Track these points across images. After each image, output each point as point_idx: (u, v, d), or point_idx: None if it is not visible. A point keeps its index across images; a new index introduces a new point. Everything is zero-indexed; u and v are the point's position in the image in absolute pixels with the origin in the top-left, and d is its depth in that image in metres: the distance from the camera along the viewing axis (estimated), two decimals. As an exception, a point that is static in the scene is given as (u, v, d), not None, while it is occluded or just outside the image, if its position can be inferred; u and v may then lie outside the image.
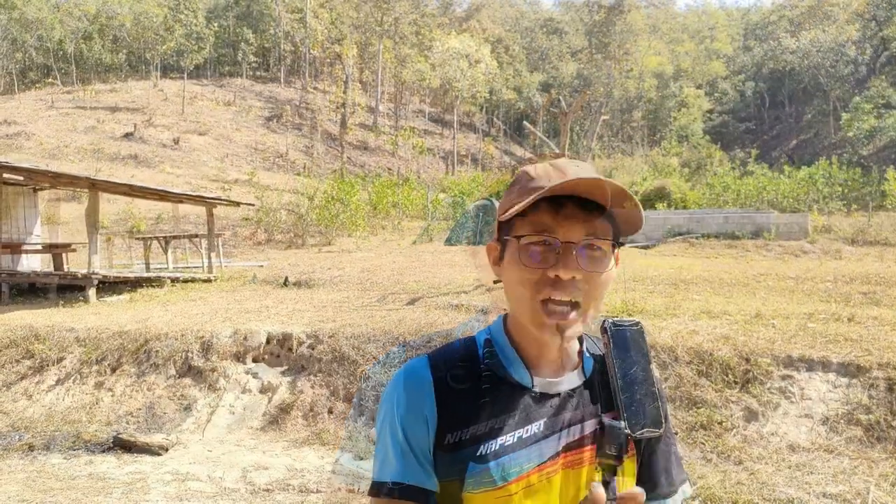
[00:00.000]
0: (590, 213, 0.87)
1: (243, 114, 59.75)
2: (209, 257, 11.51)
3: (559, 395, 0.93)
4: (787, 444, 4.68)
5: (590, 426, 0.92)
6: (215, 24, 65.98)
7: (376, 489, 0.91)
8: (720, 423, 4.86)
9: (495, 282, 0.99)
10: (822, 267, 10.16)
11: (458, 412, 0.90)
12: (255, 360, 6.39)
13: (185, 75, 57.65)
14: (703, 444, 4.75)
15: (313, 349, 6.22)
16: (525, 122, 8.61)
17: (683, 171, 42.22)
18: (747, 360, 5.35)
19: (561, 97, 9.56)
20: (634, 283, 8.84)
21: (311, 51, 66.19)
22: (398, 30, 66.52)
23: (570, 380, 0.95)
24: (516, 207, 0.86)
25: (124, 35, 66.34)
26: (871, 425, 4.67)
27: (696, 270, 9.99)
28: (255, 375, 6.14)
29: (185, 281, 10.88)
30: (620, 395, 0.84)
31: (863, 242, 14.52)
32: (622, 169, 46.62)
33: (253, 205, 13.42)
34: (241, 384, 6.07)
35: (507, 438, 0.90)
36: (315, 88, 73.71)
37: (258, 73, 78.44)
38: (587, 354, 0.98)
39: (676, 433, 4.91)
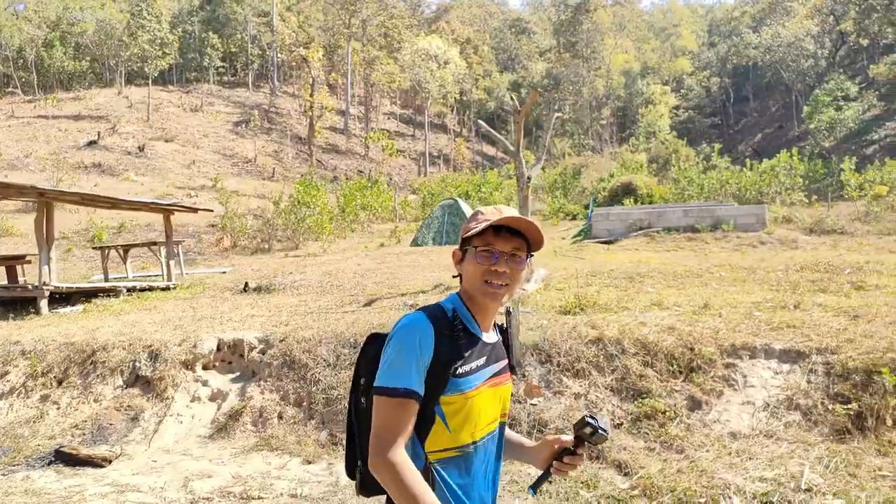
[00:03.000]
0: (514, 236, 1.59)
1: (211, 119, 59.00)
2: (167, 265, 11.31)
3: (490, 344, 1.62)
4: (728, 431, 4.75)
5: (503, 363, 1.66)
6: (179, 30, 64.98)
7: (399, 392, 1.43)
8: (664, 413, 4.91)
9: (455, 276, 1.70)
10: (777, 257, 10.36)
11: (444, 349, 1.48)
12: (205, 368, 6.29)
13: (150, 82, 56.60)
14: (646, 433, 4.79)
15: (264, 354, 6.15)
16: (479, 121, 8.59)
17: (651, 166, 42.78)
18: (692, 350, 5.43)
19: (513, 96, 9.56)
20: (592, 278, 8.91)
21: (279, 54, 65.61)
22: (366, 32, 66.28)
23: (492, 337, 1.65)
24: (473, 231, 1.57)
25: (87, 42, 65.04)
26: (808, 410, 4.76)
27: (654, 263, 10.10)
28: (204, 383, 6.04)
29: (143, 290, 10.68)
30: (512, 348, 1.90)
31: (820, 232, 14.83)
32: (591, 166, 47.01)
33: (211, 210, 13.22)
34: (191, 392, 5.97)
35: (469, 366, 1.52)
36: (284, 92, 73.11)
37: (225, 79, 77.48)
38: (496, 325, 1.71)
39: (619, 424, 4.96)
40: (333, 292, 9.15)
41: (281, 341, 6.16)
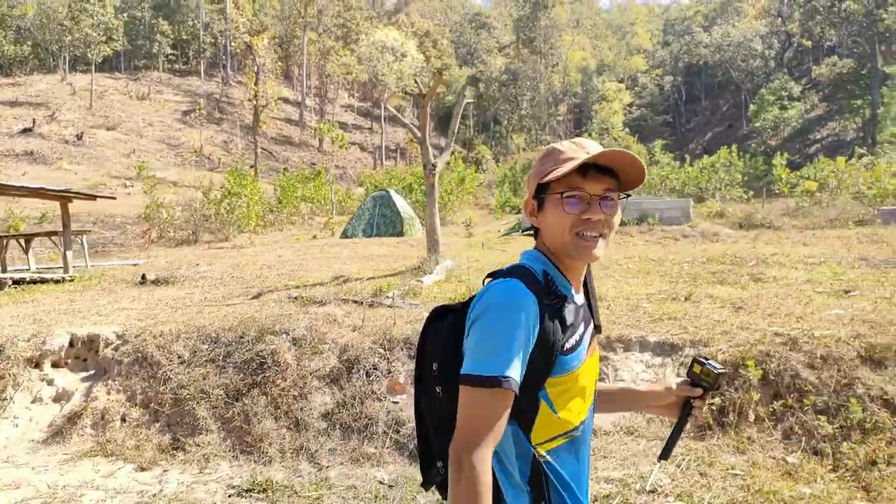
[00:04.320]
0: (603, 174, 1.28)
1: (158, 108, 57.16)
2: (65, 257, 10.62)
3: (582, 305, 1.35)
4: (593, 427, 4.50)
5: (591, 325, 1.38)
6: (125, 15, 62.69)
7: (497, 382, 1.15)
8: (527, 410, 4.64)
9: (527, 231, 1.35)
10: (692, 249, 10.29)
11: (549, 323, 1.22)
12: (55, 366, 5.76)
13: (94, 68, 54.44)
14: (506, 432, 4.50)
15: (117, 350, 5.66)
16: (391, 107, 8.32)
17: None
18: (567, 343, 5.17)
19: (417, 80, 9.21)
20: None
21: (233, 43, 63.93)
22: (321, 22, 65.14)
23: (581, 297, 1.37)
24: (555, 174, 1.26)
25: (28, 26, 62.22)
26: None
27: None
28: (50, 382, 5.52)
29: (34, 282, 9.99)
30: (595, 305, 1.44)
31: (748, 226, 14.96)
32: (545, 161, 47.18)
33: (114, 198, 12.49)
34: (33, 393, 5.44)
35: (574, 338, 1.28)
36: (238, 82, 71.31)
37: (177, 67, 75.31)
38: None
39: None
40: (230, 284, 8.67)
41: (136, 336, 5.68)
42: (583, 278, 1.39)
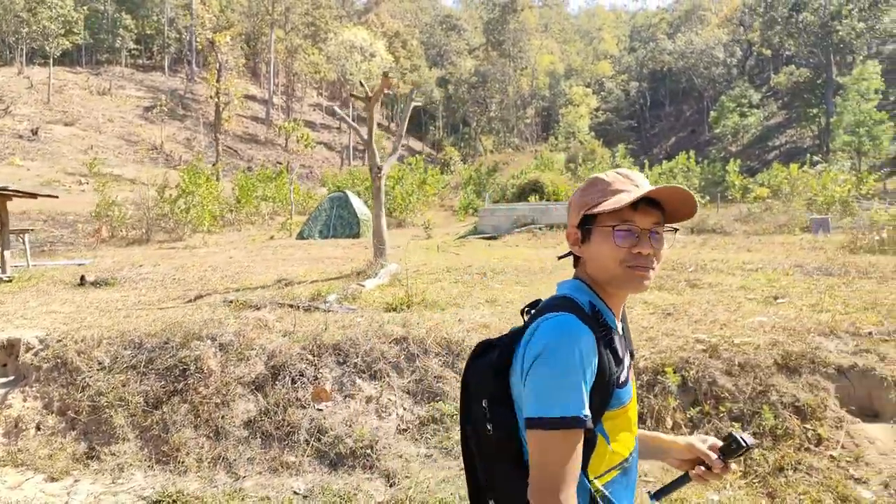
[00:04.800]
0: (652, 207, 1.30)
1: (119, 104, 55.81)
2: (1, 256, 10.25)
3: (622, 335, 1.34)
4: (514, 435, 4.50)
5: (627, 354, 1.36)
6: (86, 8, 61.03)
7: (577, 422, 1.15)
8: (451, 417, 4.61)
9: (561, 257, 1.47)
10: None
11: (605, 357, 1.21)
12: (-28, 371, 5.54)
13: (52, 61, 52.87)
14: (429, 439, 4.48)
15: (37, 356, 5.47)
16: (335, 107, 8.20)
17: (570, 165, 43.56)
18: (497, 349, 5.16)
19: (362, 81, 9.14)
20: (446, 274, 8.63)
21: (197, 39, 62.76)
22: (289, 19, 64.44)
23: (620, 325, 1.36)
24: (616, 203, 1.27)
25: (-18, 17, 60.13)
26: (596, 411, 4.57)
27: (518, 260, 9.95)
28: (-37, 389, 5.30)
29: (-34, 283, 9.61)
30: (628, 335, 1.43)
31: (700, 231, 15.21)
32: (512, 164, 47.47)
33: (55, 196, 12.11)
34: (-55, 400, 5.22)
35: (625, 370, 1.29)
36: (203, 78, 70.03)
37: (140, 62, 73.65)
38: None
39: (405, 429, 4.62)
40: (170, 287, 8.48)
41: (58, 341, 5.50)
42: (622, 308, 1.39)
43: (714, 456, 1.43)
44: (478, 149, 68.45)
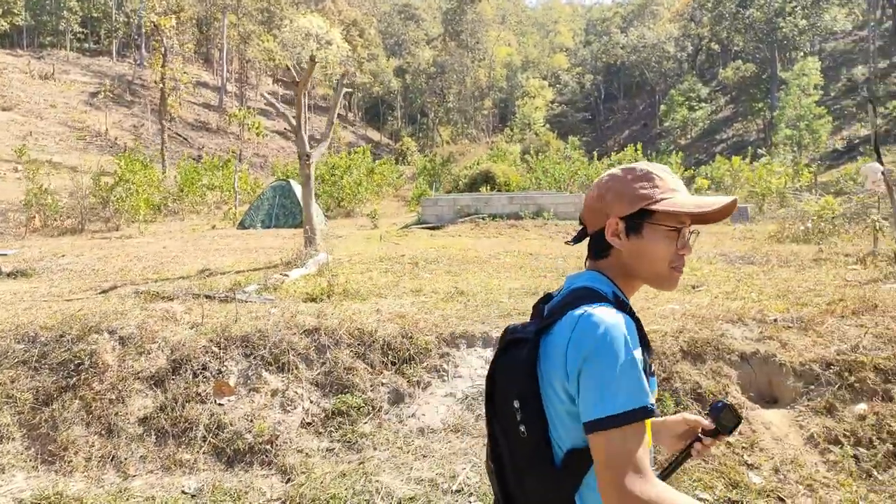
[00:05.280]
0: None
1: (63, 89, 53.52)
2: None
3: None
4: (420, 426, 4.41)
5: None
6: (25, -13, 58.24)
7: (646, 412, 1.11)
8: (358, 409, 4.50)
9: (572, 242, 1.44)
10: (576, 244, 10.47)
11: (643, 348, 1.19)
12: None
13: (-12, 43, 50.30)
14: (332, 432, 4.35)
15: (-81, 352, 5.11)
16: (265, 94, 7.98)
17: (525, 157, 43.81)
18: (411, 339, 5.06)
19: (291, 65, 8.89)
20: (378, 264, 8.49)
21: (145, 22, 60.56)
22: (241, 4, 62.83)
23: None
24: (684, 206, 1.26)
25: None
26: (505, 401, 4.51)
27: (455, 249, 9.87)
28: None
29: None
30: None
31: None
32: (468, 154, 47.48)
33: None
34: None
35: (650, 362, 1.25)
36: (153, 64, 67.75)
37: (87, 46, 70.75)
38: None
39: (309, 423, 4.48)
40: (88, 278, 8.11)
41: (-58, 336, 5.15)
42: None
43: (708, 423, 1.43)
44: (435, 139, 68.27)
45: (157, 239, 13.99)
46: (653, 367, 1.27)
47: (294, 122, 8.26)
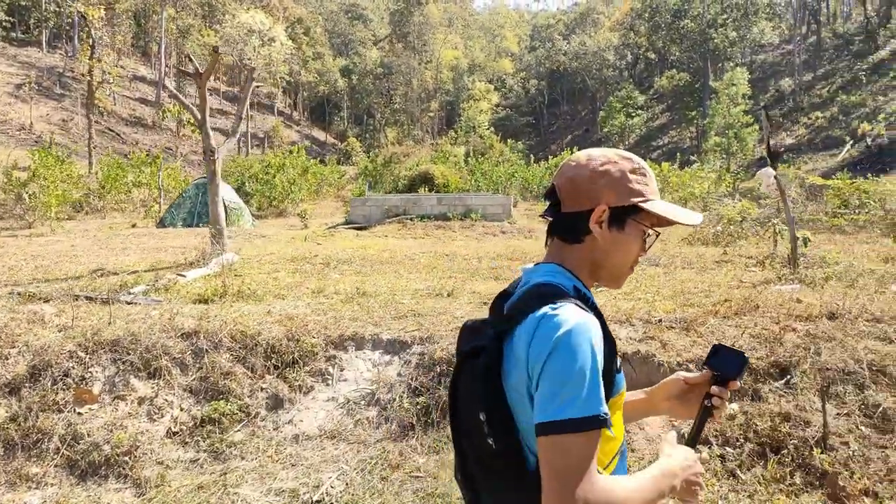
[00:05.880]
0: None
1: (-16, 79, 50.51)
2: None
3: None
4: (297, 433, 4.22)
5: None
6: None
7: (597, 422, 1.05)
8: (230, 416, 4.27)
9: (544, 214, 1.29)
10: (496, 245, 10.47)
11: (608, 345, 1.13)
12: None
13: None
14: (200, 441, 4.11)
15: None
16: (170, 87, 7.65)
17: (468, 159, 43.96)
18: (297, 341, 4.86)
19: (191, 56, 8.54)
20: (290, 264, 8.23)
21: (69, 12, 57.90)
22: (180, -3, 60.88)
23: None
24: (671, 213, 1.24)
25: None
26: (387, 405, 4.37)
27: (374, 249, 9.70)
28: None
29: None
30: None
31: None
32: (412, 156, 47.29)
33: None
34: None
35: (616, 358, 1.20)
36: (97, 58, 64.69)
37: (13, 35, 67.08)
38: None
39: (176, 432, 4.23)
40: (-30, 278, 7.53)
41: None
42: None
43: (708, 372, 1.36)
44: (381, 140, 67.84)
45: (69, 237, 13.28)
46: (619, 363, 1.23)
47: (198, 115, 7.91)
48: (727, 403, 1.35)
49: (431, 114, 68.99)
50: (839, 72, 44.85)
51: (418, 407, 4.25)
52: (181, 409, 4.39)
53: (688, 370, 4.35)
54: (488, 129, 54.25)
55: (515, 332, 1.13)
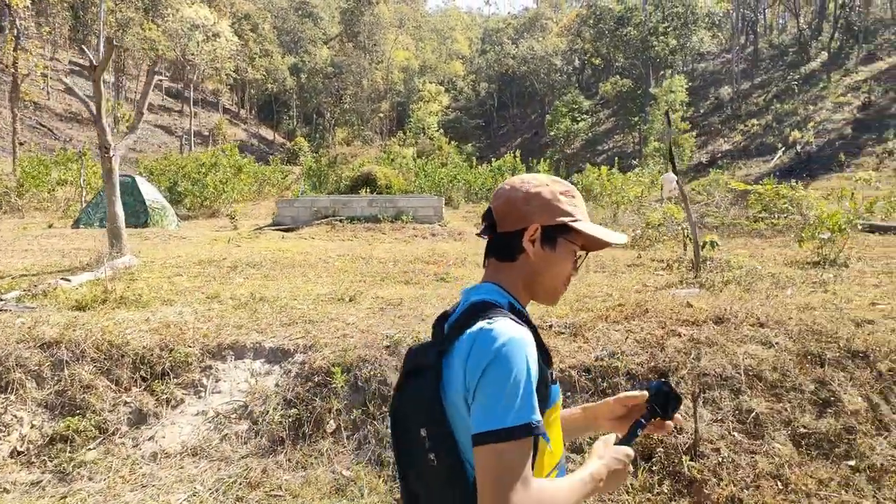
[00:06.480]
0: None
1: None
2: None
3: None
4: (156, 450, 3.93)
5: None
6: None
7: (530, 430, 1.08)
8: (84, 433, 3.95)
9: (480, 233, 1.36)
10: (419, 248, 10.31)
11: (542, 358, 1.17)
12: None
13: None
14: (46, 462, 3.78)
15: None
16: (65, 80, 7.25)
17: (420, 160, 43.82)
18: (171, 351, 4.57)
19: (84, 47, 8.11)
20: (196, 267, 7.87)
21: (3, 2, 55.07)
22: (119, -11, 58.69)
23: None
24: (602, 234, 1.31)
25: None
26: (259, 417, 4.13)
27: (293, 252, 9.40)
28: None
29: None
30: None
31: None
32: (360, 156, 46.83)
33: None
34: None
35: (550, 370, 1.23)
36: (22, 48, 61.65)
37: (-64, 23, 63.38)
38: None
39: (20, 452, 3.89)
40: None
41: None
42: None
43: (645, 396, 1.41)
44: (330, 140, 67.01)
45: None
46: (554, 375, 1.26)
47: (94, 109, 7.47)
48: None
49: (382, 114, 68.51)
50: (774, 81, 46.66)
51: (290, 420, 4.03)
52: (32, 427, 4.05)
53: (569, 377, 4.29)
54: (438, 130, 54.23)
55: (454, 350, 1.17)
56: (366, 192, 23.95)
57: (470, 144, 40.81)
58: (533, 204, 1.28)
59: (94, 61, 7.39)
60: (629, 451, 1.28)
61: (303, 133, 71.05)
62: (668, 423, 1.40)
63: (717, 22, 46.55)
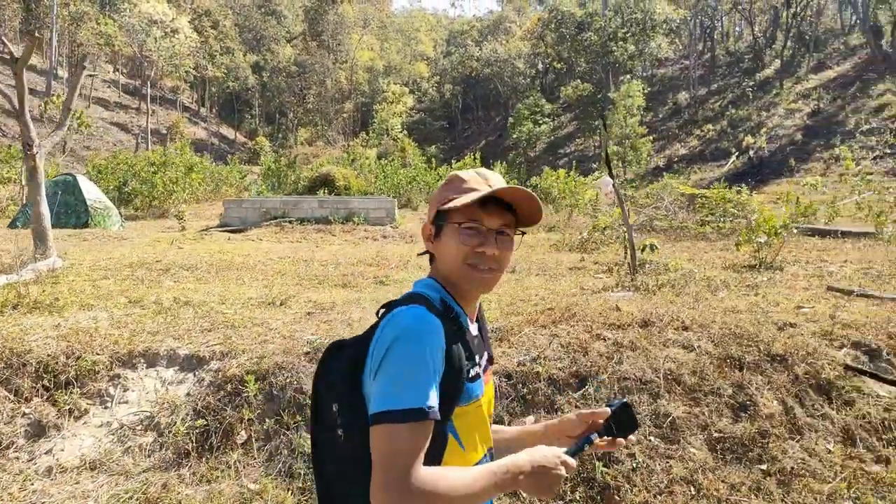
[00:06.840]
0: (504, 209, 1.31)
1: None
2: None
3: (476, 336, 1.36)
4: (52, 465, 3.72)
5: (486, 355, 1.40)
6: None
7: (422, 414, 1.10)
8: (-26, 448, 3.72)
9: (421, 253, 1.46)
10: (365, 251, 10.16)
11: (455, 350, 1.20)
12: None
13: None
14: (-73, 480, 3.53)
15: None
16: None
17: (380, 162, 43.53)
18: (78, 359, 4.34)
19: (3, 37, 7.75)
20: (128, 270, 7.57)
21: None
22: (72, -20, 56.95)
23: (475, 328, 1.37)
24: (455, 203, 1.28)
25: None
26: (165, 429, 3.94)
27: (234, 254, 9.16)
28: None
29: None
30: (486, 339, 1.47)
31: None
32: (322, 156, 46.34)
33: None
34: None
35: (476, 365, 1.28)
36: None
37: None
38: None
39: None
40: None
41: None
42: (476, 309, 1.40)
43: (605, 416, 1.40)
44: (292, 140, 66.18)
45: None
46: (476, 373, 1.27)
47: (16, 104, 7.13)
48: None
49: (345, 115, 67.98)
50: (730, 87, 47.79)
51: (198, 431, 3.86)
52: (-84, 441, 3.79)
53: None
54: (402, 132, 54.02)
55: (376, 332, 1.21)
56: (324, 192, 23.65)
57: (434, 146, 40.68)
58: (431, 205, 1.39)
59: (14, 54, 7.05)
60: (562, 453, 1.25)
61: (265, 133, 70.05)
62: (620, 440, 1.41)
63: (675, 28, 47.47)
